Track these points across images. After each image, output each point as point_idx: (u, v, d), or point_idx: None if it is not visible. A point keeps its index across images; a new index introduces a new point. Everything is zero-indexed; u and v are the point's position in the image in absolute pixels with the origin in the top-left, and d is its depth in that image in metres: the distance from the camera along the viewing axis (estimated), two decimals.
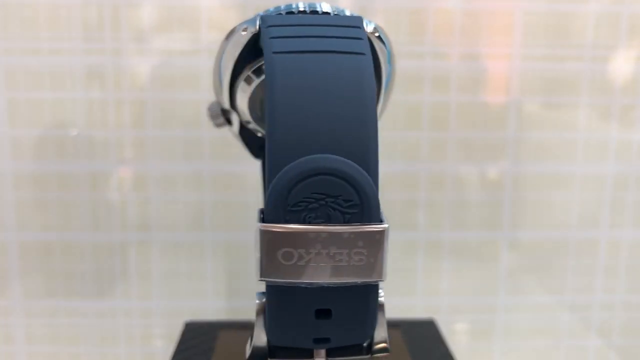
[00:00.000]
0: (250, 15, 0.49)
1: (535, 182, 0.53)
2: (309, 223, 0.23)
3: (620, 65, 0.52)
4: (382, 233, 0.23)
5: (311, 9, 0.29)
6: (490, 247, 0.54)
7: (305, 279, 0.23)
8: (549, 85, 0.52)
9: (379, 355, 0.27)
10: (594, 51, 0.52)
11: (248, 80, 0.30)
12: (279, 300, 0.24)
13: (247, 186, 0.51)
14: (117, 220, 0.52)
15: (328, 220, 0.23)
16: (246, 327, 0.43)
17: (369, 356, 0.27)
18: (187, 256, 0.52)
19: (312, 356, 0.26)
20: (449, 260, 0.54)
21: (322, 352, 0.26)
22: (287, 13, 0.28)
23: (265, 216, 0.23)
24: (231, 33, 0.30)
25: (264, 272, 0.23)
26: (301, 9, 0.29)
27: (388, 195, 0.53)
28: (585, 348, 0.57)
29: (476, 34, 0.51)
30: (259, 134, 0.34)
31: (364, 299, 0.25)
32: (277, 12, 0.28)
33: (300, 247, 0.22)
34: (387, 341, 0.26)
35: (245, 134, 0.34)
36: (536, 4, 0.51)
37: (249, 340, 0.27)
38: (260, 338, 0.25)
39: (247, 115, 0.32)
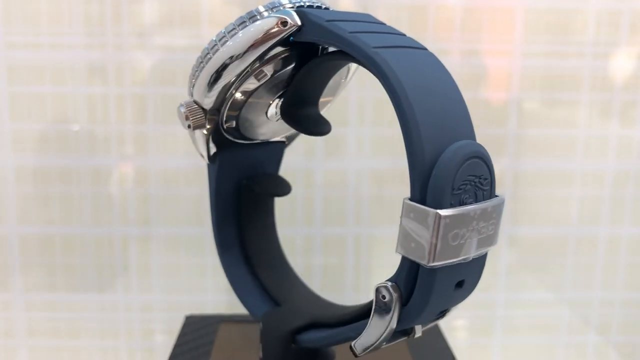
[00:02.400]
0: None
1: (535, 179, 0.53)
2: (465, 204, 0.25)
3: (621, 63, 0.52)
4: (504, 203, 0.26)
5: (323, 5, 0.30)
6: None
7: (462, 255, 0.25)
8: (550, 82, 0.52)
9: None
10: (594, 48, 0.52)
11: (259, 75, 0.30)
12: (435, 282, 0.25)
13: None
14: (118, 215, 0.52)
15: (475, 199, 0.25)
16: (246, 321, 0.43)
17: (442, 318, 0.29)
18: (188, 250, 0.52)
19: (413, 330, 0.28)
20: None
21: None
22: (325, 9, 0.30)
23: (432, 202, 0.24)
24: (234, 30, 0.29)
25: (438, 257, 0.24)
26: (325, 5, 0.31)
27: (389, 192, 0.53)
28: (584, 345, 0.57)
29: (477, 30, 0.51)
30: (230, 137, 0.33)
31: (483, 263, 0.27)
32: (317, 7, 0.30)
33: (464, 227, 0.24)
34: None
35: (215, 137, 0.34)
36: (537, 1, 0.51)
37: (364, 334, 0.27)
38: (391, 326, 0.26)
39: (231, 116, 0.32)
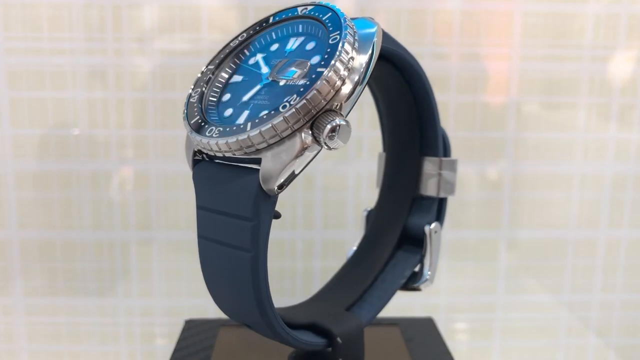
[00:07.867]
0: (250, 16, 0.50)
1: (534, 181, 0.53)
2: None
3: (619, 66, 0.52)
4: None
5: None
6: (489, 246, 0.54)
7: None
8: (548, 85, 0.52)
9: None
10: (593, 51, 0.52)
11: None
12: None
13: None
14: (118, 219, 0.52)
15: None
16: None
17: None
18: (188, 255, 0.53)
19: None
20: (448, 259, 0.54)
21: None
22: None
23: (450, 154, 0.37)
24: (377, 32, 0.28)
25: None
26: None
27: None
28: (583, 347, 0.57)
29: (476, 34, 0.51)
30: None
31: None
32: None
33: None
34: None
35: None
36: (535, 5, 0.51)
37: None
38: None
39: None
